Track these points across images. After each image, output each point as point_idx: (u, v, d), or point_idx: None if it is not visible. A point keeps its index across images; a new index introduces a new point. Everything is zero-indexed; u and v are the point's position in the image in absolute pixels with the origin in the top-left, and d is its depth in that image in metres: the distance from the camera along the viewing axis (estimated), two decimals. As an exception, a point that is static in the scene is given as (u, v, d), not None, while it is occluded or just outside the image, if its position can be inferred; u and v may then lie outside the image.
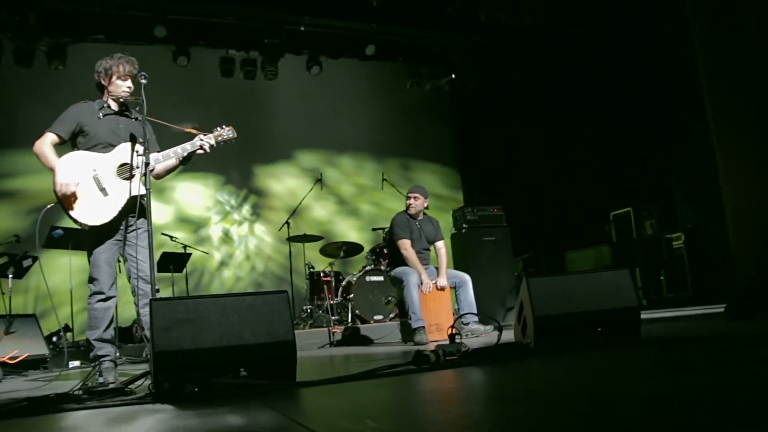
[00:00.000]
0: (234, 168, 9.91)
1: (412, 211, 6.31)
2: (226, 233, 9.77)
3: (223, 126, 4.21)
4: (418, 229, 6.29)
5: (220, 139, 4.16)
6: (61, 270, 7.52)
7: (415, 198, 6.32)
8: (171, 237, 8.08)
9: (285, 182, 10.21)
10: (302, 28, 8.77)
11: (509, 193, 9.44)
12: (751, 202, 8.14)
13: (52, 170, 3.81)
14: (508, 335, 4.28)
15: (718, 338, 3.49)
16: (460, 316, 5.93)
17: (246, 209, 9.99)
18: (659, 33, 9.03)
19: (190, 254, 8.18)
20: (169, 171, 4.17)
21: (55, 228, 6.85)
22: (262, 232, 9.95)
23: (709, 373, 2.38)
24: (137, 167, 3.81)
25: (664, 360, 2.91)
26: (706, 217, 8.73)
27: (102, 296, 3.88)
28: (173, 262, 7.86)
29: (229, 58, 9.16)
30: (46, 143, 3.85)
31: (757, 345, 3.17)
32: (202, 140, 4.06)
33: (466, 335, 5.91)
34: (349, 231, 10.15)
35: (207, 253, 9.17)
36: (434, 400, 2.38)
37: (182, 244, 8.16)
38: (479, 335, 5.85)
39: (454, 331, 3.73)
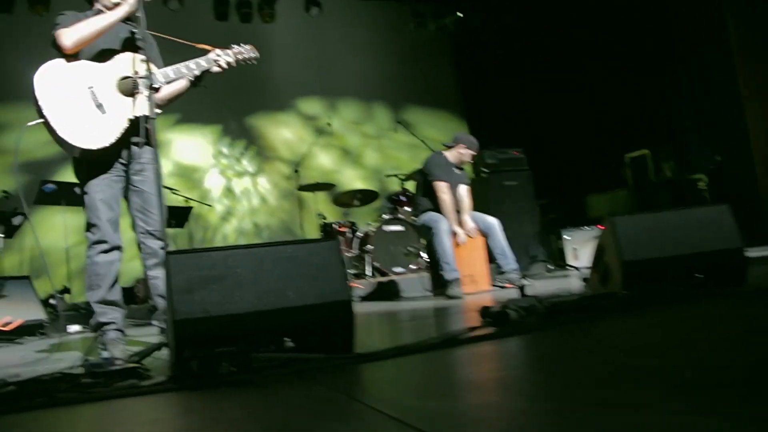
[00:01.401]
0: (232, 117, 9.05)
1: (456, 161, 5.57)
2: (228, 186, 8.96)
3: (241, 44, 3.38)
4: (457, 175, 5.55)
5: (240, 57, 3.30)
6: (55, 228, 6.73)
7: (471, 156, 5.60)
8: (171, 189, 7.25)
9: (286, 131, 9.37)
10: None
11: (519, 140, 8.64)
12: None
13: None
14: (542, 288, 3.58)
15: None
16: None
17: (247, 160, 9.16)
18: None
19: (191, 207, 7.39)
20: (177, 96, 3.28)
21: (47, 182, 6.03)
22: (265, 183, 9.13)
23: None
24: (145, 80, 2.92)
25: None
26: (730, 156, 8.04)
27: (104, 246, 3.01)
28: (174, 216, 7.03)
29: (224, 0, 8.24)
30: (71, 31, 2.98)
31: None
32: (219, 55, 3.23)
33: (503, 285, 5.22)
34: (354, 181, 9.35)
35: (210, 206, 8.36)
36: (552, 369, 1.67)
37: (183, 196, 7.36)
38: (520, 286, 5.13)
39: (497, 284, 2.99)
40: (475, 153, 5.65)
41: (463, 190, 5.60)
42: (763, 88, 7.63)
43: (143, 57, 2.93)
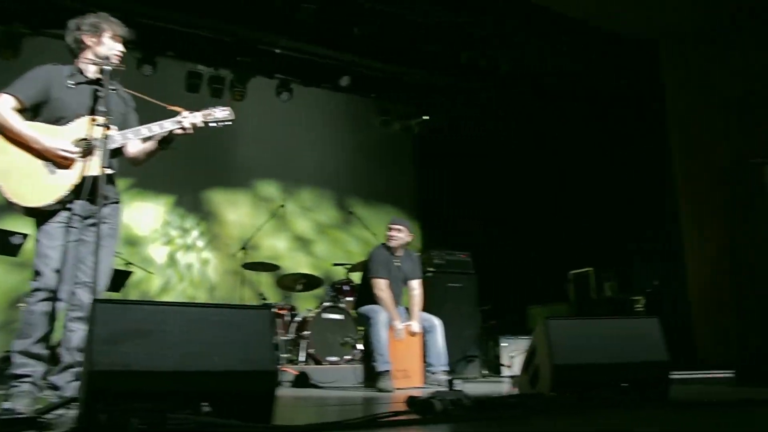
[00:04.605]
0: (187, 189, 9.03)
1: (393, 244, 5.57)
2: (172, 257, 8.82)
3: (217, 107, 3.41)
4: (397, 267, 5.55)
5: (210, 118, 3.31)
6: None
7: (398, 230, 5.58)
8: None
9: (239, 210, 9.37)
10: (278, 51, 8.10)
11: (469, 244, 8.81)
12: (714, 272, 7.77)
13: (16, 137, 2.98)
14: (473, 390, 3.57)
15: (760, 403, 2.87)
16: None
17: (195, 234, 9.08)
18: (633, 95, 8.74)
19: (130, 272, 7.23)
20: (149, 154, 3.29)
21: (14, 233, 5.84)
22: (211, 258, 9.03)
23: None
24: (103, 140, 2.94)
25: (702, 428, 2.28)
26: (667, 281, 8.32)
27: (43, 295, 2.92)
28: (112, 279, 6.82)
29: (197, 73, 8.40)
30: (2, 107, 2.99)
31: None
32: (185, 117, 3.25)
33: (432, 385, 5.18)
34: (302, 267, 9.31)
35: (152, 273, 8.19)
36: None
37: (125, 260, 7.21)
38: (448, 380, 5.10)
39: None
40: (392, 225, 5.64)
41: (414, 284, 5.62)
42: (702, 218, 7.99)
43: (103, 119, 2.94)
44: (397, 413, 2.50)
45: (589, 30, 7.79)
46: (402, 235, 5.56)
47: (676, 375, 5.40)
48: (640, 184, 9.07)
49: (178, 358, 2.19)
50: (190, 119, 3.23)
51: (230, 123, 3.41)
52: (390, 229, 5.59)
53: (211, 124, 3.34)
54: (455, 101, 9.28)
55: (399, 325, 5.28)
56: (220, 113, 3.37)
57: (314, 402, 4.10)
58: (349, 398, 4.24)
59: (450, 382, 3.18)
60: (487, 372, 7.07)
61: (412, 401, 2.79)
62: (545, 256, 9.34)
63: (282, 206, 8.42)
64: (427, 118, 9.67)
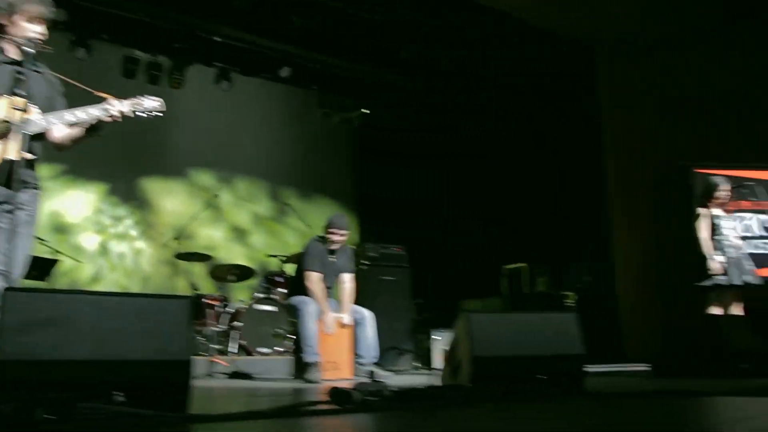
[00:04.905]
0: (121, 177, 8.83)
1: (333, 247, 5.55)
2: (104, 246, 8.62)
3: (147, 96, 3.31)
4: (332, 263, 5.54)
5: (139, 107, 3.22)
6: None
7: (341, 235, 5.54)
8: (39, 239, 6.89)
9: (175, 199, 9.21)
10: (217, 39, 7.99)
11: (406, 238, 8.89)
12: (642, 271, 8.05)
13: None
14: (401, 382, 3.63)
15: (674, 393, 3.00)
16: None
17: (129, 223, 8.89)
18: (570, 95, 8.95)
19: (56, 261, 7.03)
20: (75, 141, 3.18)
21: None
22: (144, 249, 8.86)
23: None
24: (22, 123, 2.85)
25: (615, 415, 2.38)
26: (597, 278, 8.58)
27: None
28: (37, 267, 6.61)
29: (134, 59, 8.21)
30: None
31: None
32: (112, 104, 3.16)
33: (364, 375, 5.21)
34: (238, 258, 9.22)
35: (81, 262, 7.98)
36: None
37: (52, 248, 7.02)
38: (370, 372, 5.14)
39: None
40: (337, 230, 5.54)
41: (345, 278, 5.62)
42: (632, 218, 8.26)
43: (22, 102, 2.85)
44: (314, 403, 2.52)
45: (529, 30, 7.92)
46: (344, 238, 5.57)
47: (597, 368, 5.58)
48: (575, 183, 9.31)
49: (90, 348, 2.16)
50: (117, 107, 3.15)
51: (161, 114, 3.33)
52: (334, 233, 5.50)
53: (139, 113, 3.26)
54: (396, 96, 9.34)
55: (329, 318, 5.28)
56: (150, 103, 3.28)
57: (240, 393, 4.08)
58: (277, 390, 4.24)
59: (372, 373, 3.20)
60: (419, 365, 7.15)
61: (332, 391, 2.81)
62: (481, 250, 9.50)
63: (216, 196, 8.31)
64: (367, 111, 9.69)
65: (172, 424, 2.06)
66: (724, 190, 5.88)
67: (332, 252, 5.57)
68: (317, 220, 9.24)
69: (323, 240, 5.58)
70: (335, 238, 5.50)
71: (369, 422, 2.31)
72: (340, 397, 2.70)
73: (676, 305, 7.57)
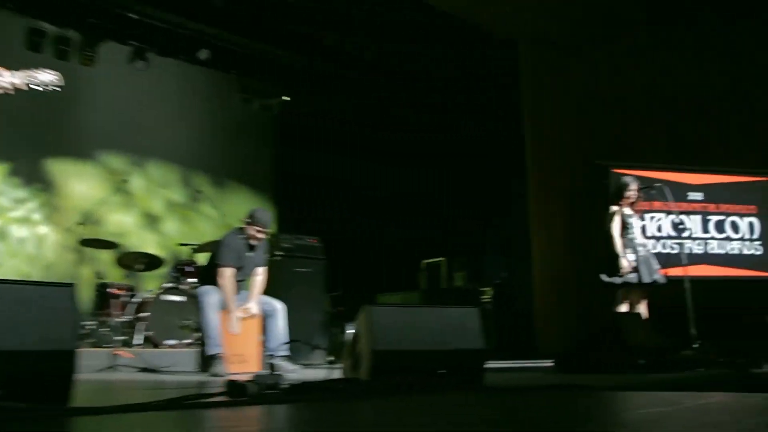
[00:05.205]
0: (24, 157, 8.50)
1: (254, 242, 5.41)
2: (3, 231, 8.29)
3: (43, 69, 3.19)
4: (249, 258, 5.42)
5: (32, 80, 3.12)
6: None
7: (265, 233, 5.39)
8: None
9: (83, 182, 8.93)
10: (133, 16, 7.79)
11: (324, 229, 8.88)
12: (558, 267, 8.32)
13: None
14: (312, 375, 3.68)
15: (567, 387, 3.14)
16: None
17: (32, 206, 8.57)
18: (494, 91, 9.16)
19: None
20: None
21: None
22: (48, 235, 8.57)
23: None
24: None
25: (511, 408, 2.49)
26: (514, 275, 8.82)
27: None
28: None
29: (40, 31, 7.92)
30: None
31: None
32: (1, 75, 3.04)
33: (271, 369, 5.19)
34: (149, 246, 9.03)
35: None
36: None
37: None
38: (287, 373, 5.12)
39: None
40: (260, 228, 5.40)
41: (259, 270, 5.52)
42: (550, 215, 8.51)
43: None
44: (204, 395, 2.53)
45: (454, 23, 8.05)
46: (265, 236, 5.48)
47: (503, 364, 5.75)
48: (495, 179, 9.54)
49: (-36, 336, 2.11)
50: (8, 78, 3.06)
51: (58, 88, 3.24)
52: (258, 230, 5.35)
53: (34, 86, 3.16)
54: (318, 84, 9.33)
55: (234, 318, 5.16)
56: (46, 76, 3.19)
57: (139, 386, 4.03)
58: (181, 383, 4.20)
59: (272, 366, 3.23)
60: (332, 358, 7.18)
61: (228, 384, 2.82)
62: (400, 244, 9.62)
63: (125, 181, 8.10)
64: (288, 98, 9.64)
65: (47, 417, 2.03)
66: (632, 190, 6.14)
67: (251, 247, 5.47)
68: (233, 209, 9.17)
69: (242, 233, 5.48)
70: (258, 235, 5.40)
71: (259, 414, 2.34)
72: (234, 390, 2.71)
73: (590, 302, 7.88)
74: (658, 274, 6.11)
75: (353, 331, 6.83)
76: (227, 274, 5.20)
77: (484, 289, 9.10)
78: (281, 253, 7.01)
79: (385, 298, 8.95)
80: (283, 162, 10.38)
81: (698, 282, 8.08)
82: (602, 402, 2.77)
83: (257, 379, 2.81)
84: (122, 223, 9.02)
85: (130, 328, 6.43)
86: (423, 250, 9.70)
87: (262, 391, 2.73)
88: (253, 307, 5.29)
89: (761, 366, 4.34)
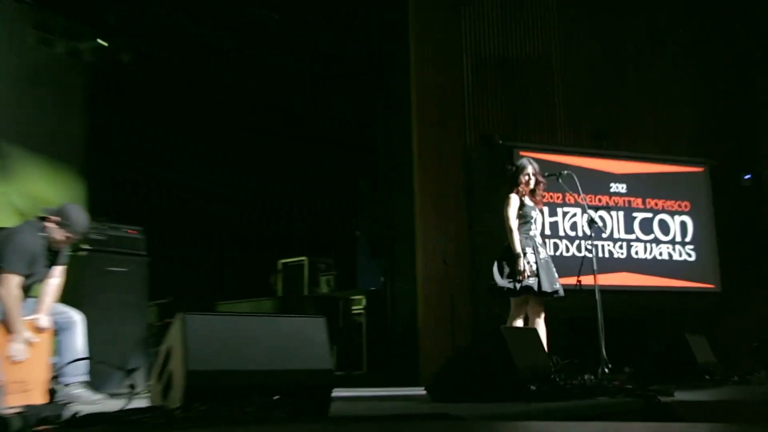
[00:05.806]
0: None
1: (57, 247, 5.22)
2: None
3: None
4: (46, 264, 5.21)
5: None
6: None
7: (65, 237, 5.18)
8: None
9: None
10: None
11: (150, 217, 8.64)
12: (447, 273, 8.51)
13: None
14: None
15: (432, 417, 3.25)
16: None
17: None
18: (380, 69, 9.26)
19: None
20: None
21: None
22: None
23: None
24: None
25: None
26: (393, 279, 8.93)
27: None
28: None
29: None
30: None
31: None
32: None
33: (66, 402, 5.01)
34: None
35: None
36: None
37: None
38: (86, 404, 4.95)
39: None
40: (74, 233, 5.23)
41: (56, 271, 5.26)
42: (434, 218, 8.70)
43: None
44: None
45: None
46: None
47: (371, 392, 5.85)
48: (373, 163, 9.61)
49: None
50: None
51: None
52: (68, 236, 5.18)
53: None
54: (158, 32, 9.06)
55: (17, 343, 4.89)
56: None
57: None
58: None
59: (53, 392, 3.17)
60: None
61: (-3, 419, 2.74)
62: (252, 238, 9.58)
63: None
64: (106, 44, 9.32)
65: None
66: (527, 174, 6.16)
67: (52, 252, 5.21)
68: (35, 188, 8.79)
69: (44, 231, 5.17)
70: (66, 242, 5.23)
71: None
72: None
73: (484, 313, 8.13)
74: (558, 283, 6.14)
75: (164, 346, 6.79)
76: (13, 284, 4.94)
77: (356, 297, 9.20)
78: (88, 246, 6.80)
79: (229, 307, 8.90)
80: (97, 127, 10.03)
81: (616, 293, 8.53)
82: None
83: (28, 412, 2.76)
84: None
85: None
86: (281, 246, 9.70)
87: (30, 427, 2.67)
88: (44, 320, 5.08)
89: (671, 394, 4.60)
